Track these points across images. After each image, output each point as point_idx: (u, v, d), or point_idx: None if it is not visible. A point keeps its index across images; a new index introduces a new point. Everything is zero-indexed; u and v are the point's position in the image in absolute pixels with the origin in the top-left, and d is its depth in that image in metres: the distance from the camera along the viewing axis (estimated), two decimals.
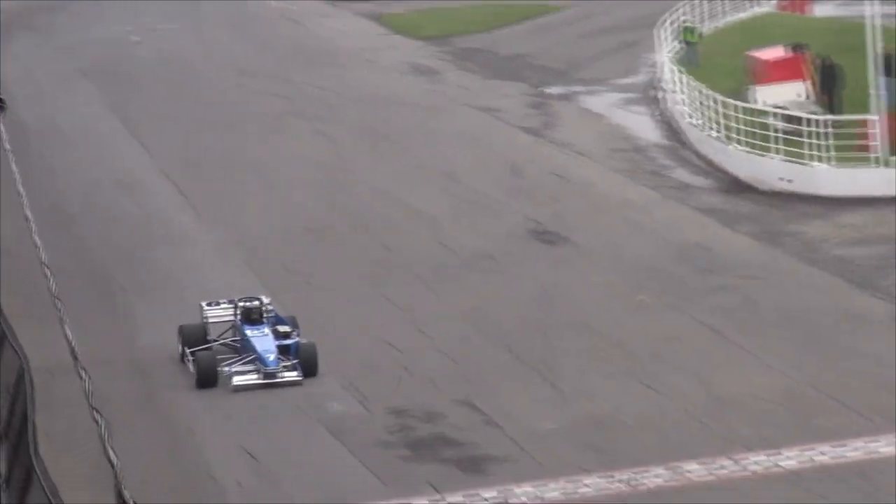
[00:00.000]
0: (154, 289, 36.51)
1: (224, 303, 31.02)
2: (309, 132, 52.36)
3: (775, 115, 43.40)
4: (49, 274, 19.51)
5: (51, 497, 11.55)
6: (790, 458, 25.62)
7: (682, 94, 49.75)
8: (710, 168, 45.56)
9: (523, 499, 25.03)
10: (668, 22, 59.07)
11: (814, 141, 40.77)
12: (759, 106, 44.86)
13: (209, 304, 31.09)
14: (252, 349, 29.13)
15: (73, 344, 10.23)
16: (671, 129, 50.46)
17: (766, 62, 48.49)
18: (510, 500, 25.10)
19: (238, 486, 25.85)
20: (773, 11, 64.51)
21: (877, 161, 39.77)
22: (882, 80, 40.17)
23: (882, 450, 25.50)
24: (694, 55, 56.72)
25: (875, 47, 40.11)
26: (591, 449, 26.49)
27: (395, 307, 34.89)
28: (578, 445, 26.70)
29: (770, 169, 42.25)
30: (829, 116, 42.36)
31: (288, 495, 25.70)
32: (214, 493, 25.77)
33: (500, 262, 37.62)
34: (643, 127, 51.67)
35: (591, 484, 25.04)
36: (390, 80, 62.75)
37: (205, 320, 30.73)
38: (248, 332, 29.51)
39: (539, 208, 42.19)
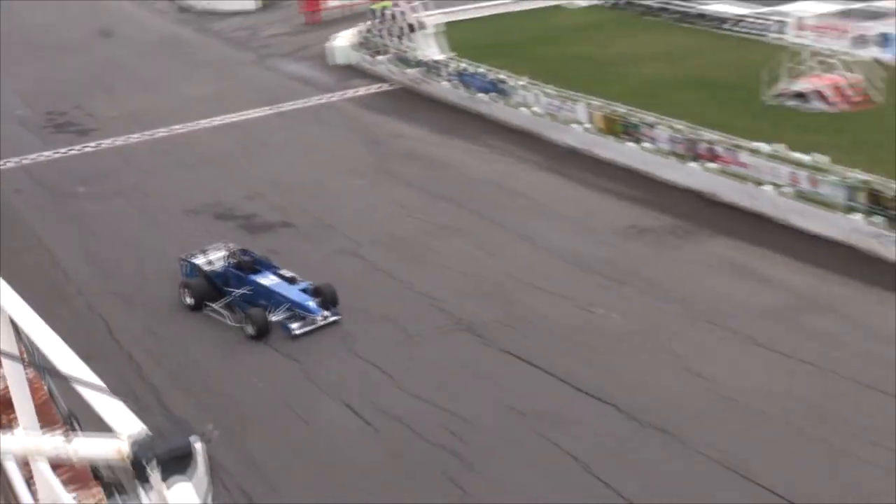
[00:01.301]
0: None
1: (198, 254, 21.56)
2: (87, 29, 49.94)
3: None
4: None
5: None
6: (230, 119, 31.43)
7: None
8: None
9: (104, 146, 29.51)
10: None
11: None
12: None
13: (186, 257, 21.60)
14: (280, 299, 20.11)
15: None
16: None
17: None
18: (94, 147, 29.95)
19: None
20: None
21: None
22: None
23: (252, 115, 31.68)
24: None
25: None
26: (137, 124, 31.66)
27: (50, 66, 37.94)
28: (131, 123, 31.69)
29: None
30: None
31: None
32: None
33: (83, 47, 42.50)
34: None
35: (137, 137, 30.67)
36: None
37: (201, 271, 21.20)
38: (265, 282, 20.47)
39: (111, 26, 47.09)
